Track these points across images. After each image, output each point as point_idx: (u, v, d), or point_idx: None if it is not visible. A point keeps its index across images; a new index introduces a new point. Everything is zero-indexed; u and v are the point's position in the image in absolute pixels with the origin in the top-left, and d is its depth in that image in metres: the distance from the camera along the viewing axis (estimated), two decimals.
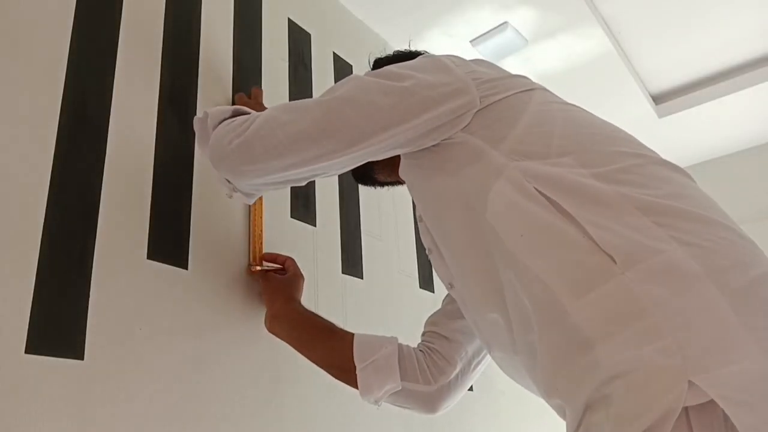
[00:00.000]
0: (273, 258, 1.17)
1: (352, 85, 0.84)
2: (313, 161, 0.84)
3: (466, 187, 0.77)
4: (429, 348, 1.01)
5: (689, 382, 0.53)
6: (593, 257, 0.62)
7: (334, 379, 0.99)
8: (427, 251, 0.92)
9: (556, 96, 0.85)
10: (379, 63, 1.10)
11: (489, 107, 0.79)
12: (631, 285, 0.59)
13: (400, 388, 0.97)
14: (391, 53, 1.10)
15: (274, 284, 1.12)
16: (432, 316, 1.08)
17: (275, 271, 1.16)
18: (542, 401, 0.71)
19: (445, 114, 0.79)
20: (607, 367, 0.58)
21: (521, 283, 0.67)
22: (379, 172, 1.07)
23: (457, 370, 1.00)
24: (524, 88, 0.81)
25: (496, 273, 0.72)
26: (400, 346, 1.00)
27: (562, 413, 0.66)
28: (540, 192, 0.68)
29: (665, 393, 0.54)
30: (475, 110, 0.79)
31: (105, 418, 0.83)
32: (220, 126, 0.95)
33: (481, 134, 0.77)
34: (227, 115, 0.97)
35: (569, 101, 0.84)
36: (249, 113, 0.95)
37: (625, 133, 0.78)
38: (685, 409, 0.54)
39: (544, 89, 0.85)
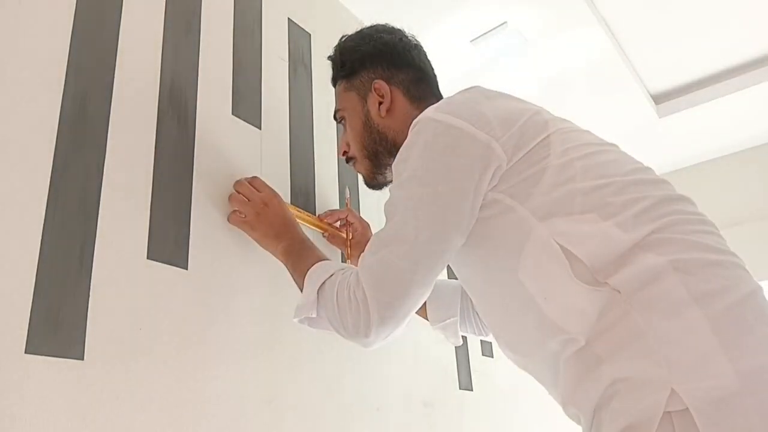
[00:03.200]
0: (333, 216, 1.33)
1: (407, 226, 0.82)
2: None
3: (496, 241, 0.82)
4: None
5: (672, 390, 0.63)
6: (601, 293, 0.72)
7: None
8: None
9: (570, 133, 0.85)
10: (346, 51, 1.10)
11: (513, 167, 0.81)
12: (633, 312, 0.69)
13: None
14: (360, 46, 1.09)
15: (354, 240, 1.32)
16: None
17: (341, 227, 1.34)
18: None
19: (483, 188, 0.81)
20: (611, 376, 0.69)
21: (550, 336, 0.77)
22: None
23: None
24: (541, 137, 0.82)
25: (526, 326, 0.81)
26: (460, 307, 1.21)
27: (578, 420, 0.77)
28: (562, 247, 0.75)
29: (651, 395, 0.65)
30: (502, 173, 0.81)
31: (105, 418, 0.83)
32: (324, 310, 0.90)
33: (508, 192, 0.81)
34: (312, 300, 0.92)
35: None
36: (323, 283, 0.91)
37: (634, 168, 0.82)
38: (669, 413, 0.63)
39: (558, 128, 0.85)
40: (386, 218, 0.86)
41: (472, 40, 1.92)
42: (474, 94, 0.89)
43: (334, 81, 1.14)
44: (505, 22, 1.85)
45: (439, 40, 1.92)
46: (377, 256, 0.83)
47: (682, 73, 2.29)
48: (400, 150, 0.87)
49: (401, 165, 0.85)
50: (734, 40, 2.11)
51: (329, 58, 1.15)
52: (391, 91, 1.04)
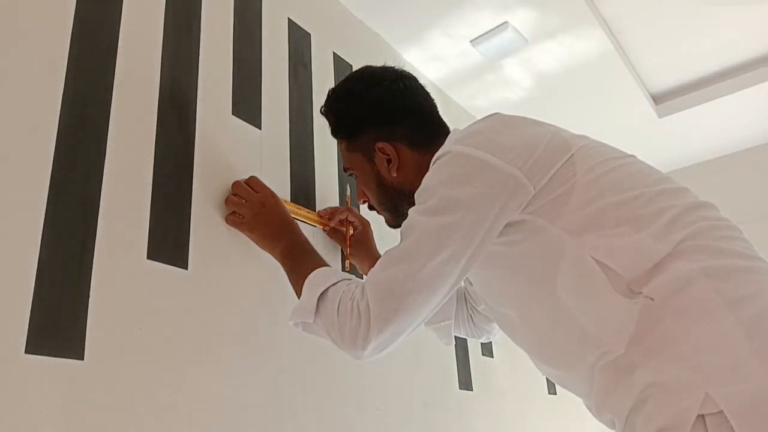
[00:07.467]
0: (332, 213, 1.33)
1: (439, 247, 0.82)
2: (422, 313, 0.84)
3: (528, 258, 0.83)
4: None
5: (706, 393, 0.65)
6: (636, 302, 0.73)
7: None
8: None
9: (592, 149, 0.85)
10: (339, 112, 1.07)
11: (540, 190, 0.82)
12: (666, 318, 0.71)
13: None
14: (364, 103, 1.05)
15: (354, 237, 1.33)
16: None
17: (342, 223, 1.34)
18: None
19: (504, 217, 0.82)
20: (645, 380, 0.71)
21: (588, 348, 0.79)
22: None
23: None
24: (565, 158, 0.83)
25: (564, 335, 0.82)
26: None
27: (612, 424, 0.79)
28: (598, 261, 0.76)
29: (685, 399, 0.66)
30: (530, 198, 0.82)
31: (105, 419, 0.83)
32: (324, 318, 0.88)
33: (537, 212, 0.82)
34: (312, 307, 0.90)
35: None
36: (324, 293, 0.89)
37: (658, 178, 0.84)
38: (702, 416, 0.65)
39: (580, 146, 0.85)
40: (401, 237, 0.87)
41: (472, 40, 1.92)
42: (493, 122, 0.89)
43: (334, 135, 1.13)
44: (505, 22, 1.85)
45: (439, 40, 1.92)
46: (386, 272, 0.84)
47: (682, 73, 2.29)
48: (423, 179, 0.88)
49: (424, 194, 0.87)
50: (734, 40, 2.11)
51: (322, 112, 1.11)
52: (396, 149, 1.02)
